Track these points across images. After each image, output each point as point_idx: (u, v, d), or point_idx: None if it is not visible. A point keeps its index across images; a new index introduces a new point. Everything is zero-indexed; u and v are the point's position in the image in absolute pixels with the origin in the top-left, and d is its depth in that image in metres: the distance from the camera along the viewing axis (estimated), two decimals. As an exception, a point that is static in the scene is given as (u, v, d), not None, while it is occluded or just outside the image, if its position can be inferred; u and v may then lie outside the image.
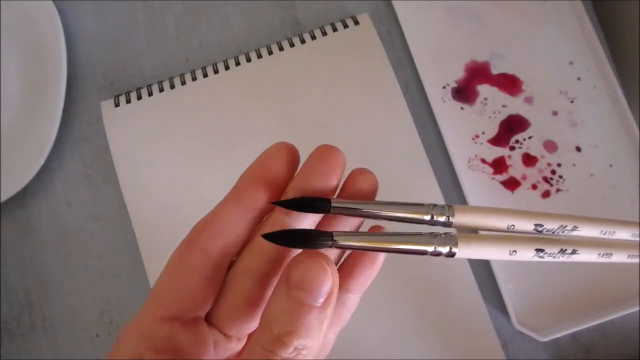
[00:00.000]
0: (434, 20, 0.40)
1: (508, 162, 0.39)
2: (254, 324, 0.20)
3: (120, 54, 0.41)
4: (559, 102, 0.39)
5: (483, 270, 0.37)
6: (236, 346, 0.21)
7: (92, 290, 0.38)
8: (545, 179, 0.38)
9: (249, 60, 0.39)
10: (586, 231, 0.21)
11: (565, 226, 0.21)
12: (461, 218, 0.20)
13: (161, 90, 0.39)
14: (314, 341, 0.17)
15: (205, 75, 0.39)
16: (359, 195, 0.20)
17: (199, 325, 0.20)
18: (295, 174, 0.20)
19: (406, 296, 0.36)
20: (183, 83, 0.39)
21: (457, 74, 0.40)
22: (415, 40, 0.39)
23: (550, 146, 0.39)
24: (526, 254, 0.20)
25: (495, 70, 0.40)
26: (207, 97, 0.39)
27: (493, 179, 0.38)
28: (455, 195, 0.38)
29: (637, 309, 0.35)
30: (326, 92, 0.39)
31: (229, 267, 0.20)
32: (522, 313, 0.36)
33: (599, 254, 0.21)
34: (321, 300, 0.17)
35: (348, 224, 0.21)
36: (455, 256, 0.19)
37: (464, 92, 0.40)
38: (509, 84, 0.40)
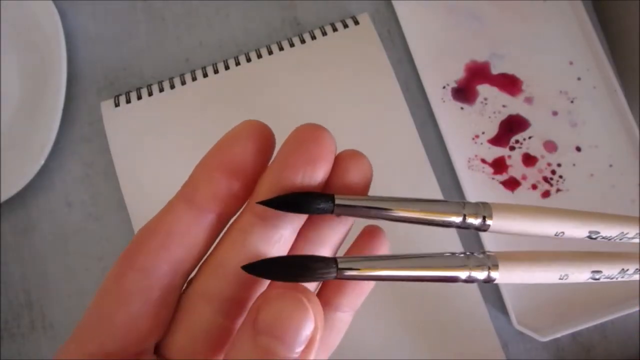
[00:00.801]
0: (434, 20, 0.40)
1: (508, 162, 0.39)
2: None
3: (120, 54, 0.41)
4: (559, 102, 0.39)
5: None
6: None
7: (92, 290, 0.38)
8: (545, 179, 0.38)
9: (249, 60, 0.39)
10: None
11: (627, 233, 0.17)
12: (500, 221, 0.15)
13: (161, 90, 0.39)
14: None
15: (205, 75, 0.39)
16: (347, 188, 0.15)
17: None
18: (269, 163, 0.16)
19: (406, 296, 0.36)
20: (183, 83, 0.39)
21: (457, 74, 0.40)
22: (415, 40, 0.39)
23: (550, 146, 0.39)
24: (579, 277, 0.16)
25: (495, 70, 0.40)
26: (207, 97, 0.39)
27: (493, 179, 0.38)
28: (455, 195, 0.38)
29: (637, 309, 0.35)
30: (326, 92, 0.39)
31: (186, 286, 0.16)
32: (522, 313, 0.36)
33: None
34: (298, 350, 0.13)
35: (336, 227, 0.16)
36: (495, 282, 0.15)
37: (464, 92, 0.40)
38: (509, 84, 0.40)
